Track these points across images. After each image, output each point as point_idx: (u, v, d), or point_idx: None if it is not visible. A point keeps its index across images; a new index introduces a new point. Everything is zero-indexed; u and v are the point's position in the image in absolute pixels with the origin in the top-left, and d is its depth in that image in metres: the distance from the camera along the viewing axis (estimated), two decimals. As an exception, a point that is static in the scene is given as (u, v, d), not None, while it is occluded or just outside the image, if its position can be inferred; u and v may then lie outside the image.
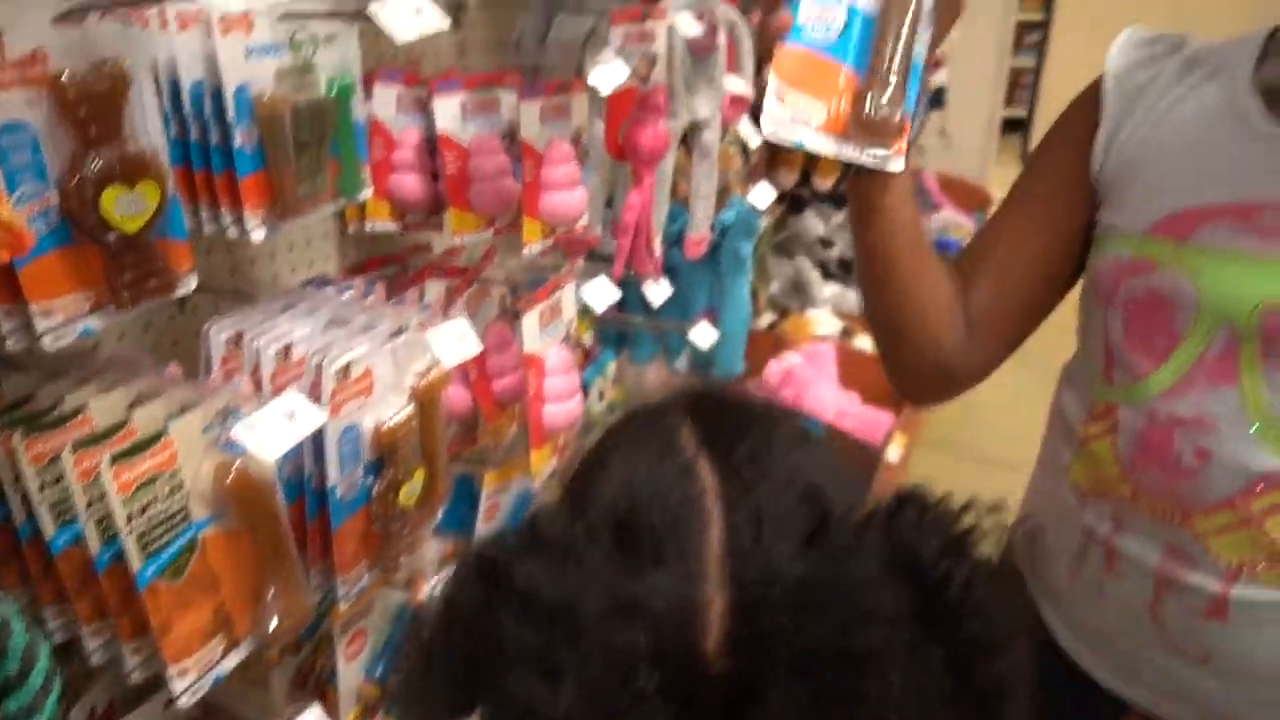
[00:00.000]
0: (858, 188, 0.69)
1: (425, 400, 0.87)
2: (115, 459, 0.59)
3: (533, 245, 1.04)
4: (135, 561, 0.62)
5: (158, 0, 0.64)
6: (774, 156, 2.17)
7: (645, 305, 1.44)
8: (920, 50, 0.63)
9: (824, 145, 0.62)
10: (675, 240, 1.44)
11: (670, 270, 1.41)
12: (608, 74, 0.97)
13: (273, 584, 0.71)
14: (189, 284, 0.70)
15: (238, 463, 0.66)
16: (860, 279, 0.77)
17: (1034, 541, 0.81)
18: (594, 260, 1.34)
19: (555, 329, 1.12)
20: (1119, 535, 0.71)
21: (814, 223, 2.68)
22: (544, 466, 1.14)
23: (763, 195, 1.53)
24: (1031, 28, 4.97)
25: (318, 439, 0.76)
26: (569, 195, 1.02)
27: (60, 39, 0.56)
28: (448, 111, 0.99)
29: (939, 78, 3.34)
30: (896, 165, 0.62)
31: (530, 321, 1.05)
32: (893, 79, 0.61)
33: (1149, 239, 0.67)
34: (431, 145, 1.02)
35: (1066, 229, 0.75)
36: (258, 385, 0.78)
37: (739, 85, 1.38)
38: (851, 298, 2.53)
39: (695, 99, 1.33)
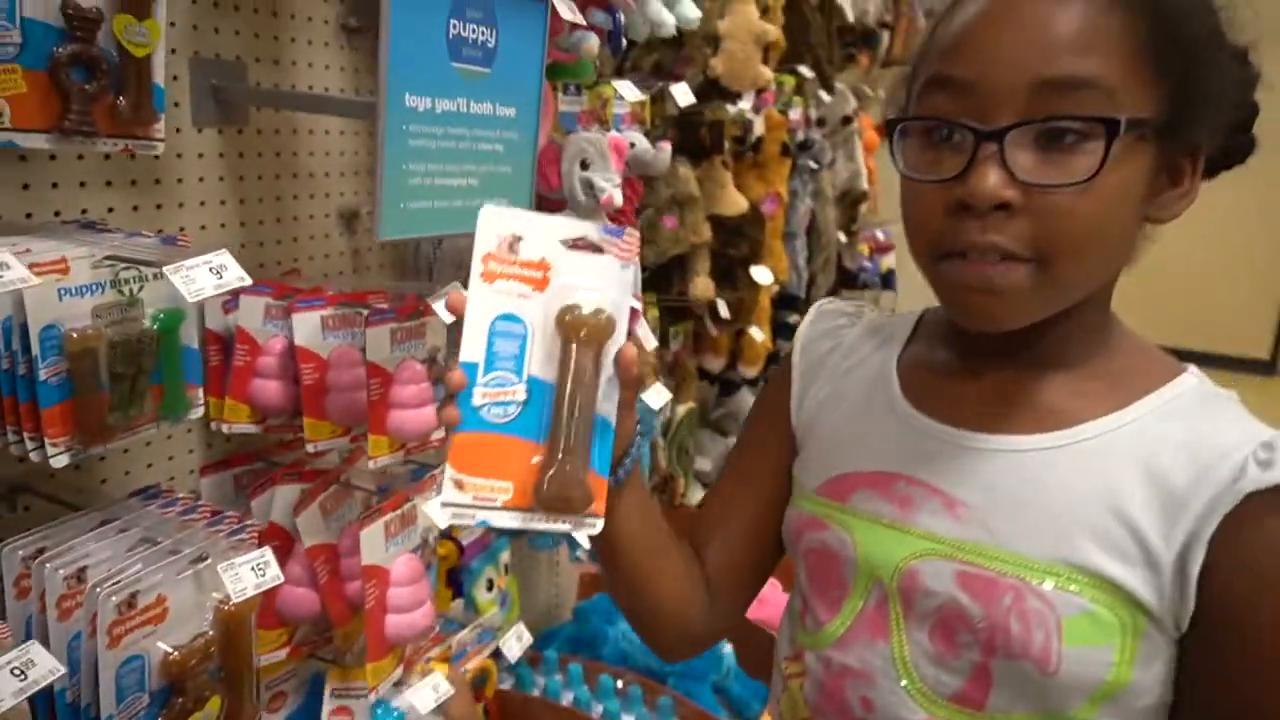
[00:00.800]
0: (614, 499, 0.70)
1: (230, 625, 0.86)
2: None
3: (379, 459, 1.06)
4: None
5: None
6: (699, 342, 2.24)
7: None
8: (610, 408, 0.62)
9: (511, 521, 0.60)
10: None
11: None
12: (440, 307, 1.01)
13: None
14: (-30, 512, 0.71)
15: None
16: (604, 576, 0.79)
17: None
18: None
19: (408, 537, 1.12)
20: None
21: (748, 399, 2.73)
22: (384, 678, 1.12)
23: (657, 396, 1.57)
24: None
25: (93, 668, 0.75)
26: (417, 413, 1.04)
27: None
28: (307, 325, 1.03)
29: (889, 260, 3.51)
30: (590, 530, 0.62)
31: (373, 533, 1.05)
32: (575, 448, 0.60)
33: (819, 498, 0.73)
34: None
35: (775, 485, 0.79)
36: (43, 608, 0.78)
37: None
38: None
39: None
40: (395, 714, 1.16)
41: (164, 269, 0.72)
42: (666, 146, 1.42)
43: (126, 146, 0.82)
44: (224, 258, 0.76)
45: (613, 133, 1.35)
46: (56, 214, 0.89)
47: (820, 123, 2.55)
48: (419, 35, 0.83)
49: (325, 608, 1.12)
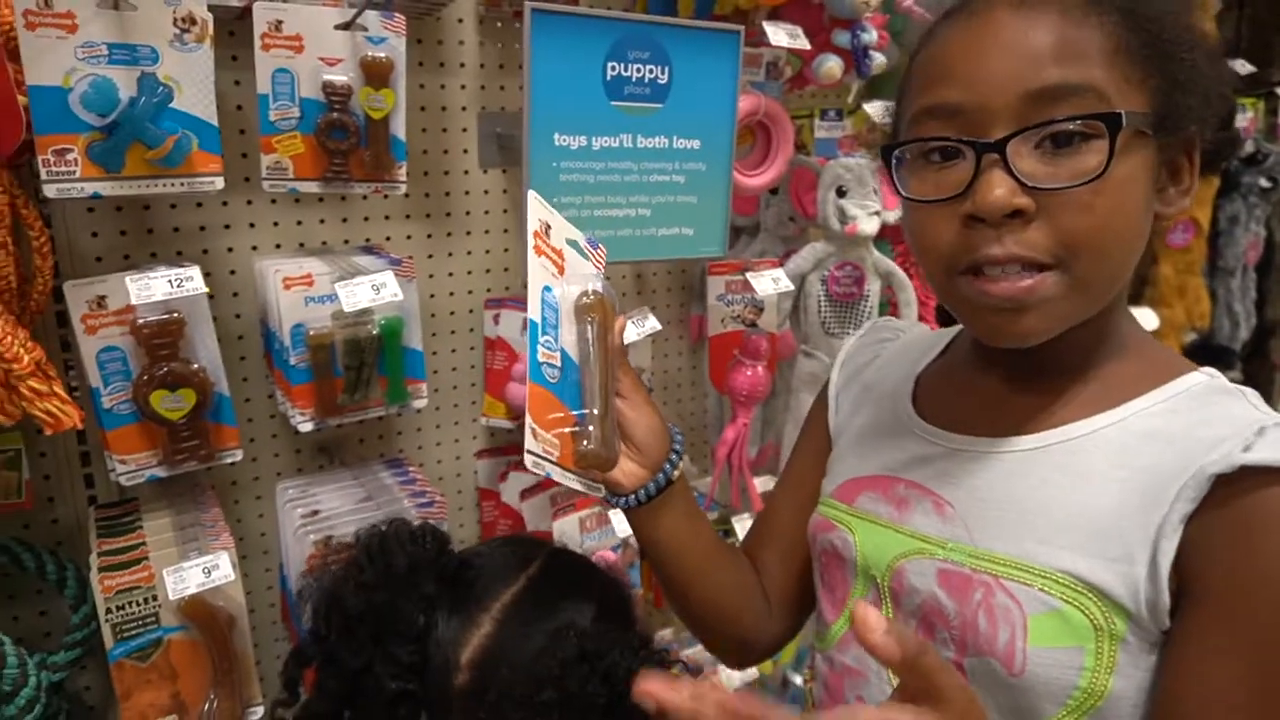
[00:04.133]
0: (633, 522, 0.75)
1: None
2: (102, 570, 0.88)
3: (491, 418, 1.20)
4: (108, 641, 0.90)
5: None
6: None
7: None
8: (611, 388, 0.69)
9: (563, 478, 0.68)
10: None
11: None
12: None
13: (215, 691, 0.94)
14: (234, 455, 0.99)
15: (190, 592, 0.91)
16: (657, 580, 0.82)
17: None
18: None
19: (605, 534, 1.21)
20: None
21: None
22: None
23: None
24: None
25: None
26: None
27: (140, 296, 0.89)
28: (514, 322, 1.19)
29: None
30: (598, 493, 0.71)
31: (567, 525, 1.16)
32: (606, 414, 0.68)
33: (832, 501, 0.75)
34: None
35: (818, 494, 0.80)
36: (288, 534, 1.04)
37: (889, 332, 1.32)
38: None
39: (839, 342, 1.32)
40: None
41: (337, 284, 0.92)
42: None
43: (377, 189, 1.05)
44: (386, 276, 0.93)
45: (886, 156, 1.27)
46: (346, 241, 1.17)
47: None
48: (568, 78, 0.91)
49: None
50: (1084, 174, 0.55)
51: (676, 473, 0.73)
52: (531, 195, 0.69)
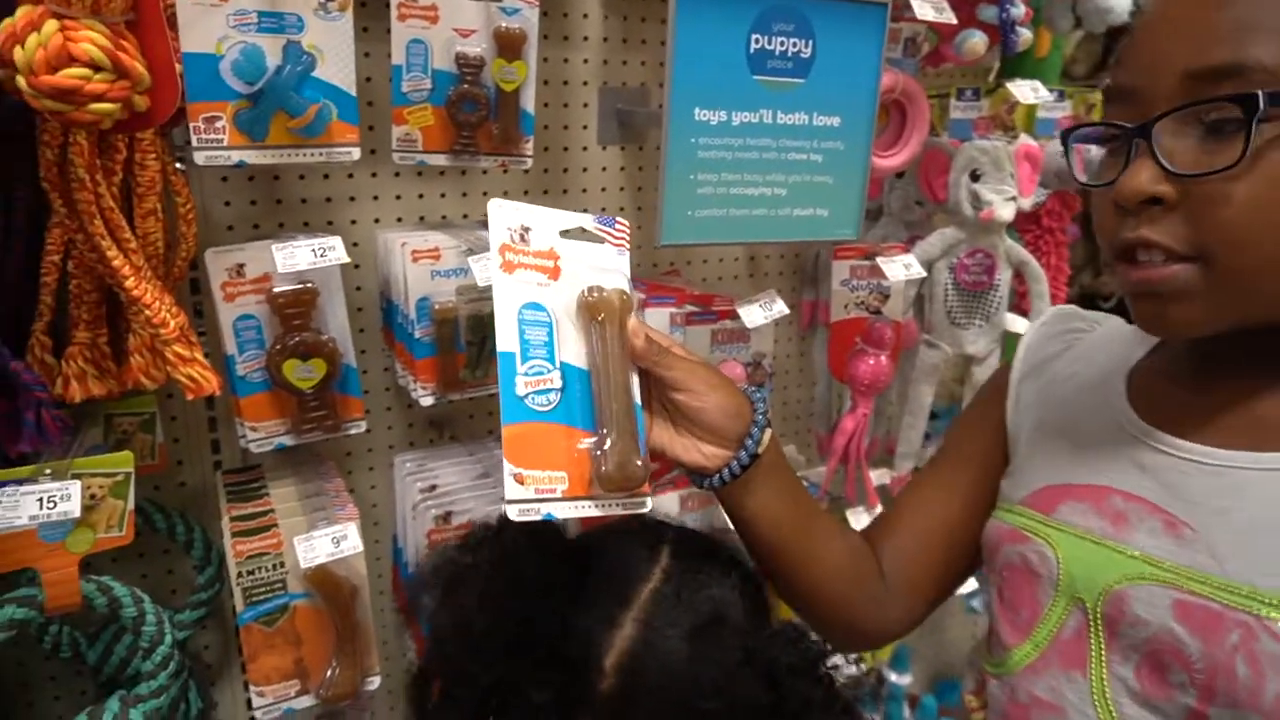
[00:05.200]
0: (724, 502, 0.70)
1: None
2: (234, 535, 0.89)
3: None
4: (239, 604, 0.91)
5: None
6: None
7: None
8: (635, 382, 0.63)
9: (573, 511, 0.62)
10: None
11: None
12: (752, 313, 1.03)
13: (337, 659, 0.95)
14: (358, 426, 0.99)
15: (319, 561, 0.91)
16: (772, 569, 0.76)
17: None
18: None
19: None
20: None
21: None
22: None
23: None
24: None
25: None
26: None
27: (283, 265, 0.89)
28: (658, 320, 1.15)
29: None
30: (641, 509, 0.63)
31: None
32: (623, 426, 0.62)
33: (1023, 509, 0.68)
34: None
35: (976, 493, 0.76)
36: (409, 508, 1.05)
37: (1019, 325, 1.26)
38: None
39: (965, 333, 1.26)
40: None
41: (470, 258, 0.91)
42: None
43: (502, 163, 1.04)
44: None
45: (1024, 139, 1.20)
46: (465, 216, 1.16)
47: None
48: (711, 51, 0.88)
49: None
50: (1224, 161, 0.52)
51: (763, 446, 0.67)
52: (492, 204, 0.62)
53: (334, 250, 0.86)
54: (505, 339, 0.61)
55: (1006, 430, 0.76)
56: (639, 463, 0.62)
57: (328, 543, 0.88)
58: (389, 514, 1.18)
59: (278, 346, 0.91)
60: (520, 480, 0.60)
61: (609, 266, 0.66)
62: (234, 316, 0.90)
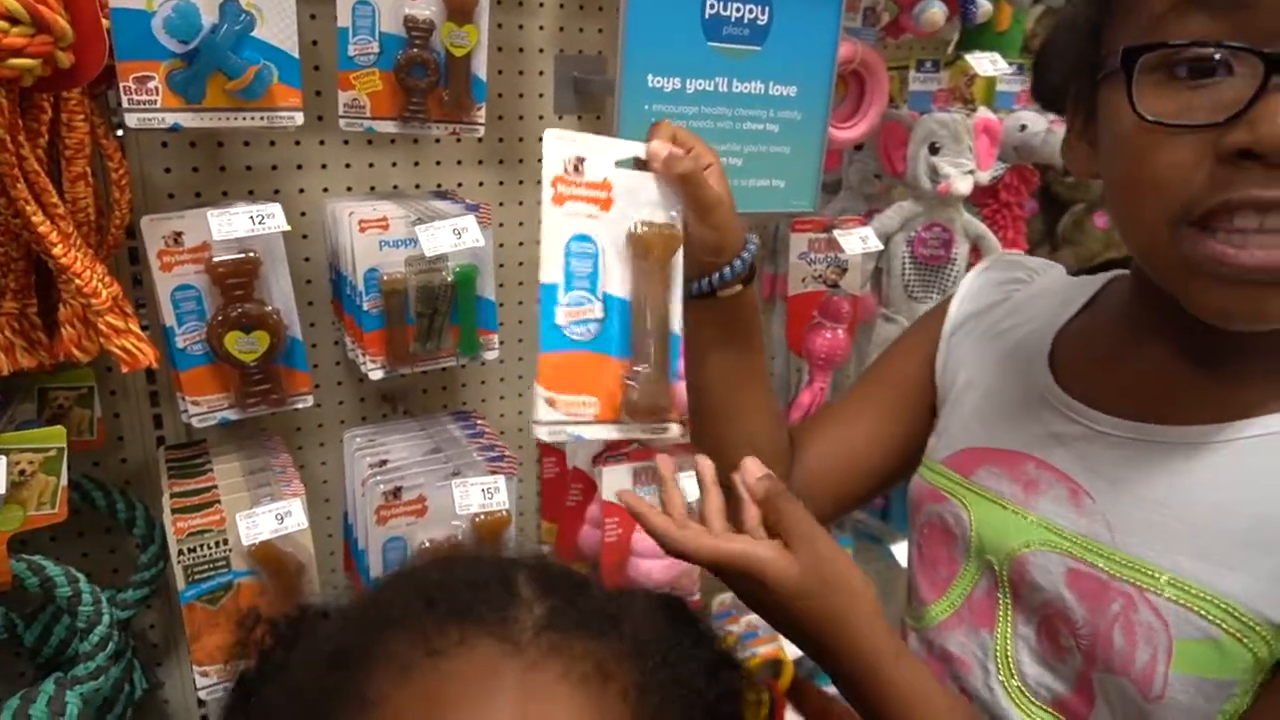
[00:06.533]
0: (699, 312, 0.68)
1: (483, 533, 1.02)
2: (175, 512, 0.87)
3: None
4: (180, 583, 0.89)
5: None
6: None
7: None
8: (677, 319, 0.63)
9: (601, 433, 0.63)
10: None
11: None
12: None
13: (284, 637, 0.93)
14: (305, 401, 0.96)
15: (262, 538, 0.89)
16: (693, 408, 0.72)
17: None
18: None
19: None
20: None
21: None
22: None
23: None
24: None
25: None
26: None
27: (220, 231, 0.86)
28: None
29: None
30: (674, 435, 0.64)
31: (616, 473, 1.12)
32: (657, 359, 0.62)
33: (945, 469, 0.68)
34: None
35: (896, 420, 0.76)
36: (359, 483, 1.02)
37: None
38: None
39: (922, 306, 1.26)
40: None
41: (418, 226, 0.88)
42: (1060, 128, 1.20)
43: (454, 130, 1.01)
44: (468, 221, 0.89)
45: (983, 113, 1.20)
46: (417, 186, 1.13)
47: None
48: (665, 16, 0.86)
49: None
50: None
51: (738, 284, 0.66)
52: (548, 134, 0.62)
53: (273, 218, 0.83)
54: (550, 271, 0.62)
55: (934, 372, 0.75)
56: (665, 398, 0.64)
57: (271, 519, 0.86)
58: (341, 490, 1.16)
59: (219, 318, 0.89)
60: (551, 404, 0.61)
61: (660, 199, 0.65)
62: (172, 287, 0.87)
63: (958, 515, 0.66)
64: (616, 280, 0.64)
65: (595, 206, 0.63)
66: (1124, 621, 0.53)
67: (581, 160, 0.63)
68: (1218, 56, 0.46)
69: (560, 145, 0.62)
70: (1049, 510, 0.60)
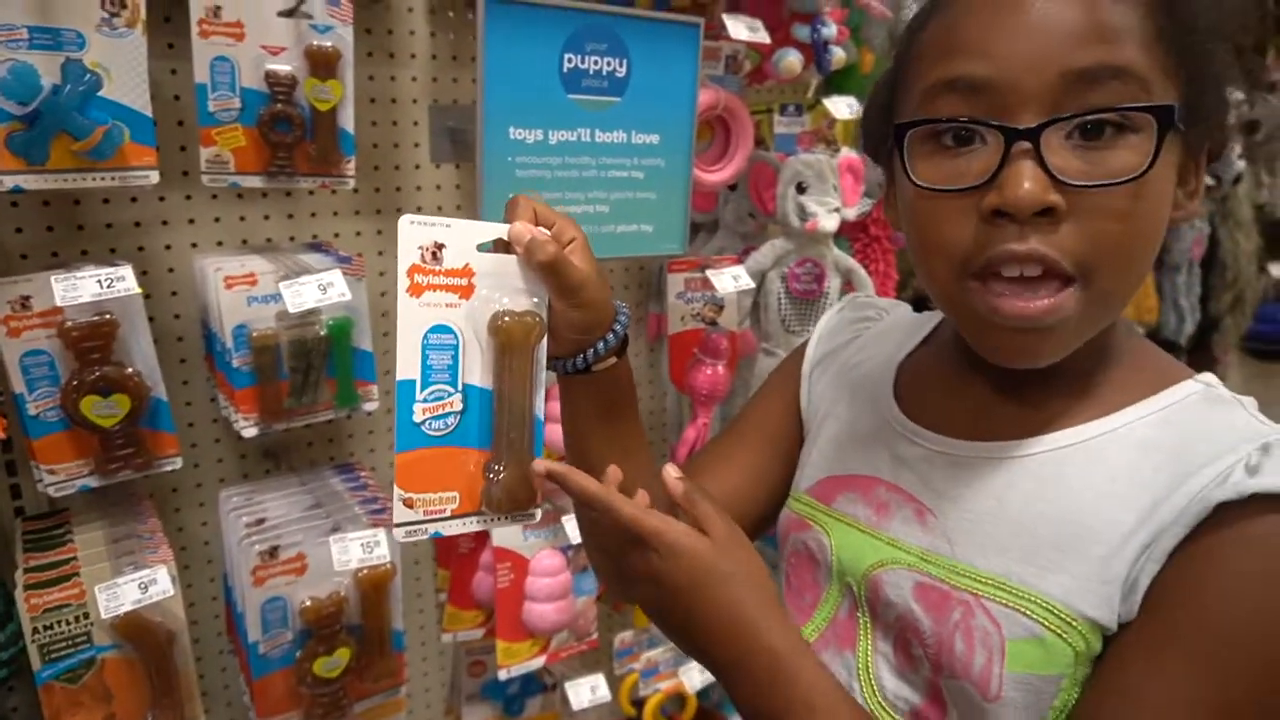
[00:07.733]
0: (575, 388, 0.68)
1: (365, 589, 1.00)
2: (28, 588, 0.83)
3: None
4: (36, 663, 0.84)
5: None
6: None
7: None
8: (541, 404, 0.63)
9: (461, 527, 0.62)
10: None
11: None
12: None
13: (153, 713, 0.89)
14: (173, 463, 0.94)
15: (124, 610, 0.86)
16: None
17: None
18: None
19: (554, 533, 1.18)
20: None
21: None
22: (517, 660, 1.18)
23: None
24: None
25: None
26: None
27: (66, 297, 0.84)
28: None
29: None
30: (529, 520, 0.64)
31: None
32: (518, 450, 0.62)
33: (808, 499, 0.71)
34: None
35: (768, 457, 0.77)
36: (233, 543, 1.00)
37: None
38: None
39: (800, 340, 1.31)
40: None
41: (281, 283, 0.88)
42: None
43: (325, 184, 1.01)
44: (334, 275, 0.89)
45: (846, 152, 1.26)
46: (292, 238, 1.12)
47: (1250, 128, 2.02)
48: (524, 71, 0.88)
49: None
50: (1122, 172, 0.50)
51: (611, 357, 0.66)
52: (403, 221, 0.59)
53: (123, 280, 0.81)
54: (406, 367, 0.59)
55: (800, 409, 0.77)
56: (526, 490, 0.62)
57: (134, 589, 0.83)
58: (219, 551, 1.12)
59: (73, 382, 0.86)
60: (409, 504, 0.59)
61: (523, 283, 0.63)
62: (21, 352, 0.84)
63: (820, 541, 0.68)
64: (477, 370, 0.62)
65: (455, 295, 0.61)
66: (964, 628, 0.56)
67: (440, 247, 0.60)
68: (964, 133, 0.53)
69: (416, 233, 0.60)
70: (899, 530, 0.63)
